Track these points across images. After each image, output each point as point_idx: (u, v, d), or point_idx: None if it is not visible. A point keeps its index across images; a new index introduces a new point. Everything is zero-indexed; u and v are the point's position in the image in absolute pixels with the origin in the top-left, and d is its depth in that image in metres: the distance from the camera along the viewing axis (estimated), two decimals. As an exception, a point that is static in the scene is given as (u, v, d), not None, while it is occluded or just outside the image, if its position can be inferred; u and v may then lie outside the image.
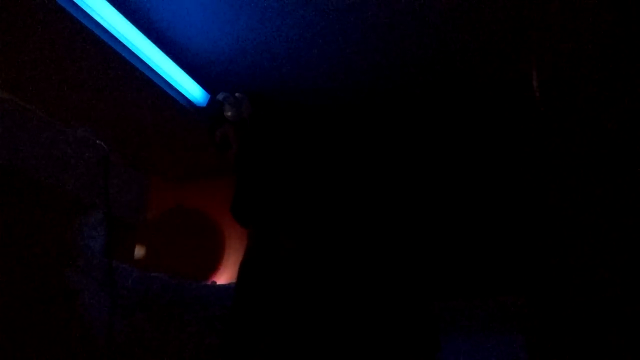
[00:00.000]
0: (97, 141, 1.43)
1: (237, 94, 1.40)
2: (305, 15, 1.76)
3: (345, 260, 1.22)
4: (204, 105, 2.14)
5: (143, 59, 1.85)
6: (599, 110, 2.26)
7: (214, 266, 2.61)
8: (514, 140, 2.50)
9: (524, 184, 2.53)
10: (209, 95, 2.14)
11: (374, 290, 1.24)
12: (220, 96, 1.39)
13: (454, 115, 2.37)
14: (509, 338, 2.21)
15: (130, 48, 1.79)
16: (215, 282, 2.32)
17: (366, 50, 1.95)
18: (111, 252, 1.37)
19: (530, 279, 2.35)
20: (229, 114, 1.38)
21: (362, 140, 2.50)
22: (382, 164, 2.45)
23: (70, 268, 1.29)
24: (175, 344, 1.48)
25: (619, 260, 2.24)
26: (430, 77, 2.11)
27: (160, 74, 1.95)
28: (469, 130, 2.46)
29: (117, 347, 1.32)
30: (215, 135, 1.44)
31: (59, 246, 1.29)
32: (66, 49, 1.75)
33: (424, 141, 2.55)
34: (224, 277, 2.56)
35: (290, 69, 2.06)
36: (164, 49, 1.89)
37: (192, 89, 2.07)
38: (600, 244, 2.30)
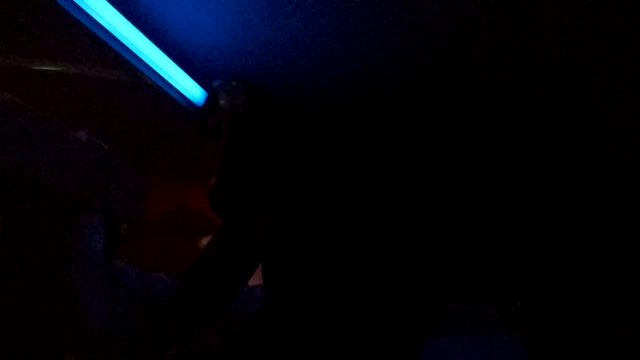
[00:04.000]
0: (97, 141, 1.43)
1: (233, 83, 1.37)
2: (308, 15, 1.76)
3: (332, 259, 1.18)
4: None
5: (142, 58, 1.85)
6: (599, 109, 2.27)
7: (213, 266, 2.60)
8: (514, 140, 2.51)
9: (524, 184, 2.54)
10: (209, 95, 2.14)
11: (366, 291, 1.21)
12: (215, 83, 1.37)
13: (451, 116, 2.37)
14: (508, 338, 2.21)
15: (130, 48, 1.79)
16: (215, 282, 2.31)
17: (366, 51, 1.95)
18: (111, 252, 1.37)
19: (530, 279, 2.35)
20: (223, 102, 1.36)
21: (358, 140, 2.50)
22: (378, 162, 2.46)
23: (70, 268, 1.29)
24: (176, 345, 1.48)
25: (618, 260, 2.25)
26: (431, 77, 2.11)
27: (160, 74, 1.95)
28: (467, 131, 2.46)
29: (117, 347, 1.32)
30: (207, 123, 1.41)
31: (59, 246, 1.29)
32: (66, 49, 1.74)
33: (422, 141, 2.55)
34: (223, 277, 2.55)
35: (291, 69, 2.06)
36: (164, 48, 1.89)
37: (191, 89, 2.07)
38: (600, 244, 2.30)
